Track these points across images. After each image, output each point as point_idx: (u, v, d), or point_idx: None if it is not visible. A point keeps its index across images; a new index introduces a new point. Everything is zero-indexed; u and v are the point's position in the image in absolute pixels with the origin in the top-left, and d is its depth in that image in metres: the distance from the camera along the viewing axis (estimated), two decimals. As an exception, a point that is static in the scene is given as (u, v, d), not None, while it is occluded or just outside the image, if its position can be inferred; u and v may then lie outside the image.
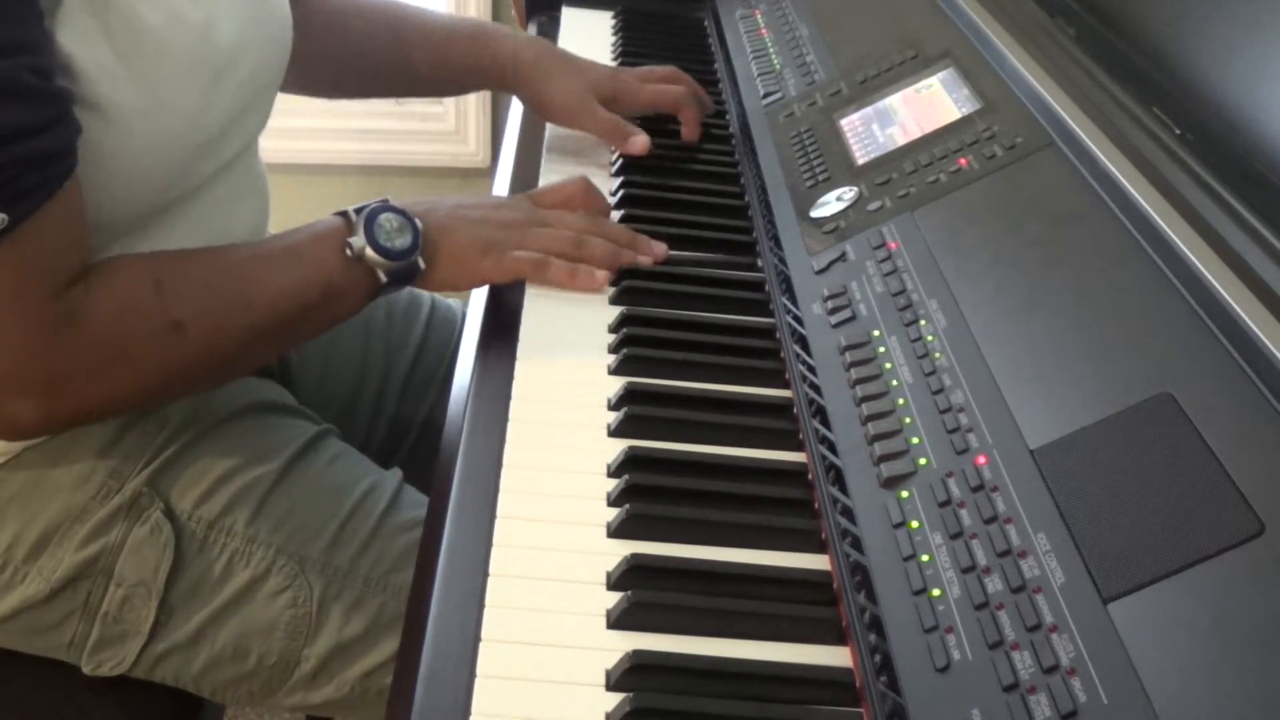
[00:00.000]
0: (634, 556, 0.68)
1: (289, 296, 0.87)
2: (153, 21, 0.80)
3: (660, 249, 0.98)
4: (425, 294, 1.20)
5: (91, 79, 0.77)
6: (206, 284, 0.85)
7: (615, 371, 0.85)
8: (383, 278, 0.88)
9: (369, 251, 0.87)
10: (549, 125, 1.20)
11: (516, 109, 1.27)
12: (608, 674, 0.62)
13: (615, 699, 0.61)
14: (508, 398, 0.82)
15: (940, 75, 1.01)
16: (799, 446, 0.80)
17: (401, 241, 0.88)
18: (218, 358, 0.86)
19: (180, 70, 0.82)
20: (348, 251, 0.87)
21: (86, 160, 0.78)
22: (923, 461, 0.69)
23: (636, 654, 0.62)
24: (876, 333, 0.80)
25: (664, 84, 1.19)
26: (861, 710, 0.62)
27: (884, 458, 0.71)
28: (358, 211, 0.88)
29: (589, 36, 1.47)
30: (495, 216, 0.94)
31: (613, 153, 1.17)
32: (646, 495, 0.74)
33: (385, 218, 0.88)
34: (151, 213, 0.86)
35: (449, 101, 2.25)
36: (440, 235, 0.90)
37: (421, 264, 0.89)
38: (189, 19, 0.83)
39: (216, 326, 0.84)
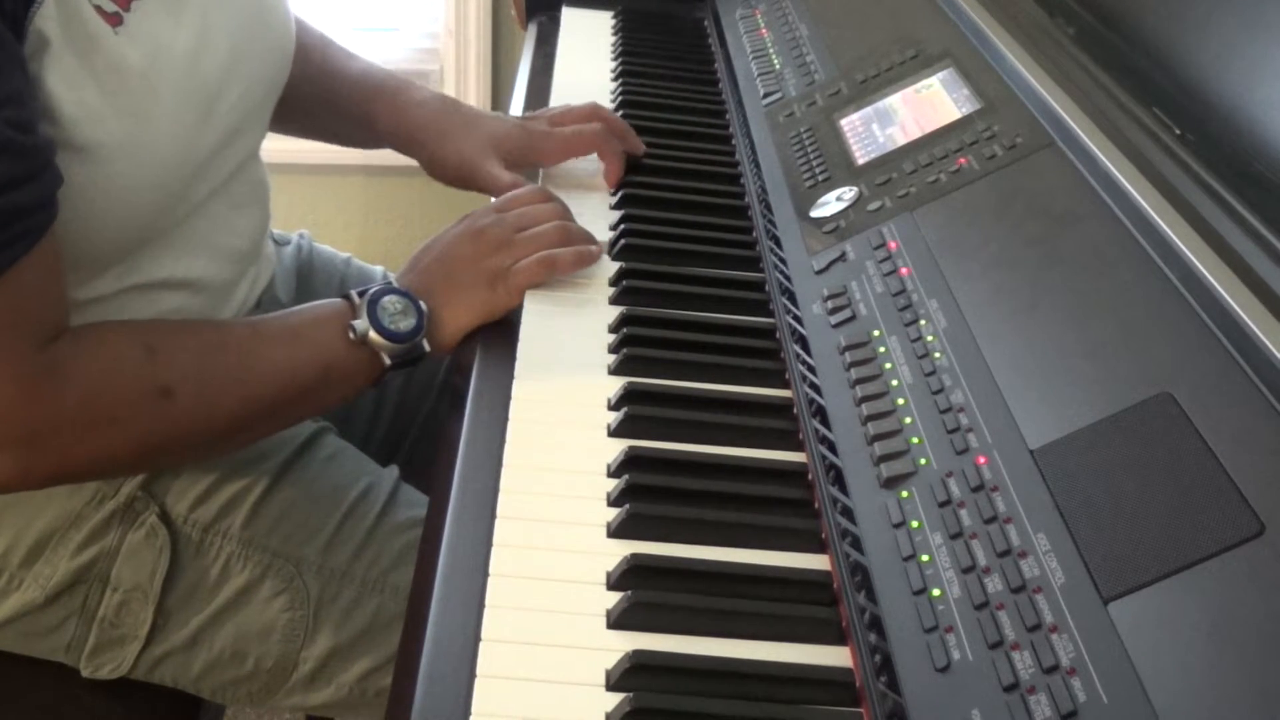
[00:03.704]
0: (634, 556, 0.68)
1: (285, 375, 0.86)
2: (138, 59, 0.79)
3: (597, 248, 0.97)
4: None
5: (78, 122, 0.76)
6: (200, 354, 0.84)
7: (615, 371, 0.85)
8: (386, 360, 0.87)
9: (373, 334, 0.86)
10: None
11: (516, 110, 1.26)
12: (608, 674, 0.62)
13: (615, 699, 0.61)
14: (508, 398, 0.82)
15: (940, 75, 1.01)
16: (799, 446, 0.80)
17: (406, 324, 0.87)
18: (207, 429, 0.85)
19: (169, 104, 0.81)
20: (351, 335, 0.86)
21: (75, 200, 0.77)
22: (923, 461, 0.69)
23: (636, 654, 0.62)
24: (876, 333, 0.80)
25: (580, 125, 1.11)
26: (861, 710, 0.62)
27: (884, 458, 0.71)
28: (360, 294, 0.87)
29: (589, 36, 1.47)
30: (480, 248, 0.92)
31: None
32: (646, 495, 0.74)
33: (389, 300, 0.87)
34: (147, 238, 0.85)
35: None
36: (444, 304, 0.89)
37: (426, 346, 0.88)
38: (176, 51, 0.82)
39: (207, 397, 0.83)
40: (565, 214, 0.97)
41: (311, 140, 1.19)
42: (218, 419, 0.84)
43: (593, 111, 1.12)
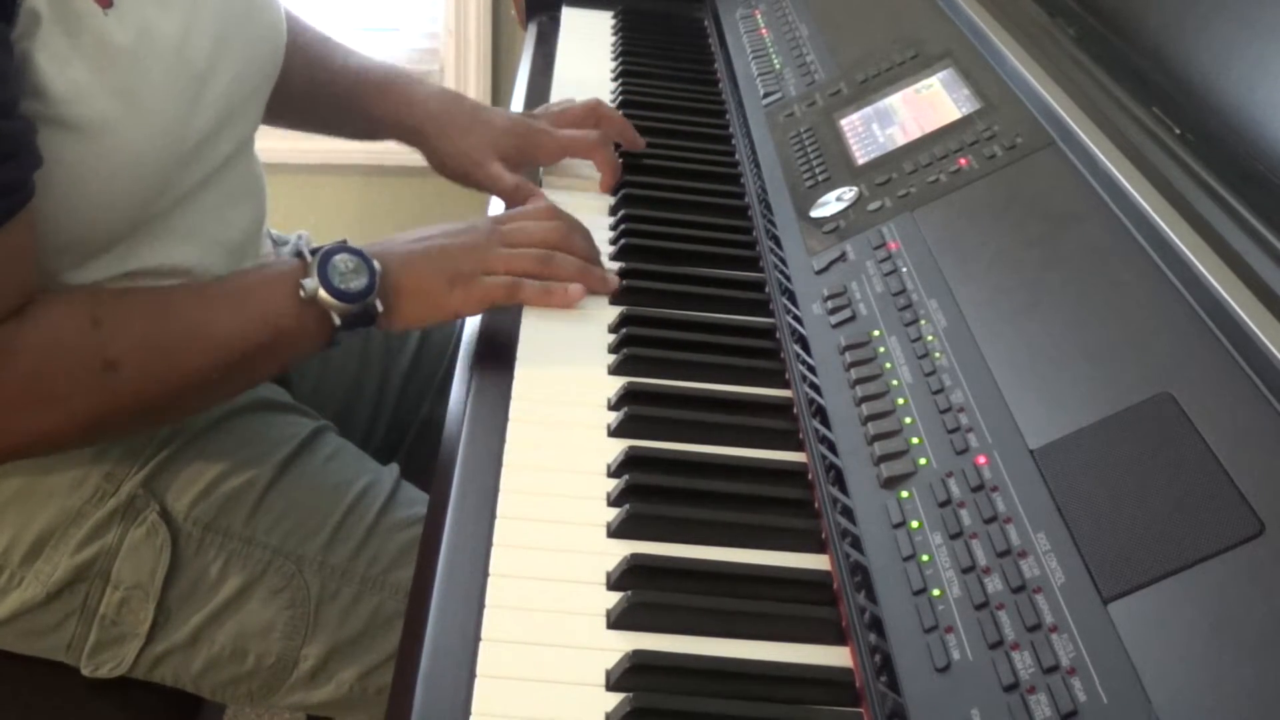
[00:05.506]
0: (634, 556, 0.68)
1: (235, 339, 0.84)
2: (127, 40, 0.79)
3: (614, 281, 0.94)
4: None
5: (67, 100, 0.76)
6: (146, 323, 0.83)
7: (615, 371, 0.85)
8: (336, 320, 0.85)
9: (322, 293, 0.84)
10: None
11: (516, 110, 1.26)
12: (608, 674, 0.62)
13: (615, 699, 0.61)
14: (508, 397, 0.82)
15: (940, 75, 1.01)
16: (799, 446, 0.80)
17: (356, 283, 0.85)
18: (156, 399, 0.84)
19: (158, 84, 0.81)
20: (300, 293, 0.84)
21: (65, 179, 0.77)
22: (923, 461, 0.69)
23: (636, 654, 0.62)
24: (876, 333, 0.80)
25: (580, 125, 1.12)
26: (861, 710, 0.62)
27: (884, 458, 0.71)
28: (313, 252, 0.86)
29: (589, 36, 1.47)
30: (457, 243, 0.91)
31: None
32: (646, 495, 0.74)
33: (340, 259, 0.85)
34: (138, 223, 0.85)
35: (449, 102, 2.25)
36: (401, 273, 0.87)
37: (379, 306, 0.86)
38: (162, 33, 0.81)
39: (154, 367, 0.82)
40: (564, 240, 0.93)
41: (312, 132, 1.19)
42: (166, 387, 0.83)
43: (594, 108, 1.14)
